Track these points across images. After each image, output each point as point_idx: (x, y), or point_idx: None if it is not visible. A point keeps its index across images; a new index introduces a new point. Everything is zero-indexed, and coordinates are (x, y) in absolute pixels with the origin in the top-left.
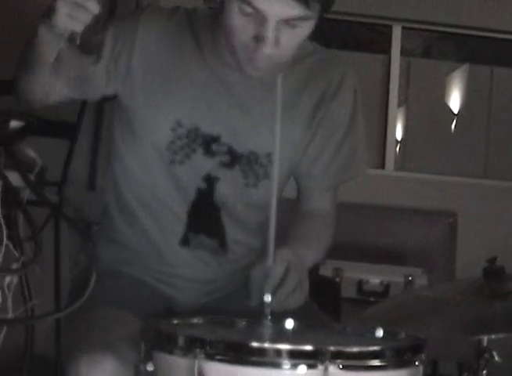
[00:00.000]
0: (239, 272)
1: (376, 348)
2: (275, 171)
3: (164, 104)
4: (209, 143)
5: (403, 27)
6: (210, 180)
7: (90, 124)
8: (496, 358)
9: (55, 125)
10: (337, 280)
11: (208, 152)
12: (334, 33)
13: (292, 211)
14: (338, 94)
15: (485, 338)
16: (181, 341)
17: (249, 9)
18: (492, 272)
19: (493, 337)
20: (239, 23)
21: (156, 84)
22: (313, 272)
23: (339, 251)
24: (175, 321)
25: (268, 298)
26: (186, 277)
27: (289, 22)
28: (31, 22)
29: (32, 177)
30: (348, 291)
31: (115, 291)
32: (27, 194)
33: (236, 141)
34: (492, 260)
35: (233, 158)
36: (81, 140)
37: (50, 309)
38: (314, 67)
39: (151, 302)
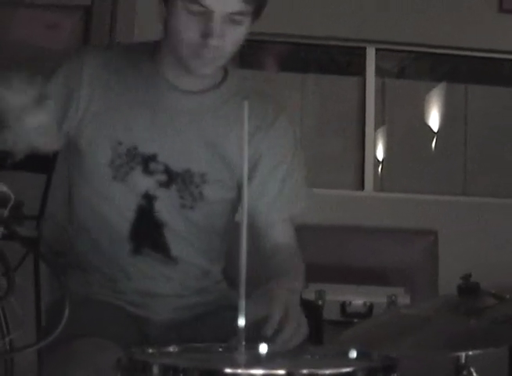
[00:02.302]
0: (208, 295)
1: (348, 369)
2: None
3: (105, 125)
4: (147, 162)
5: (377, 49)
6: (148, 198)
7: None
8: (475, 374)
9: (31, 160)
10: (320, 302)
11: (146, 170)
12: (311, 57)
13: (254, 251)
14: (274, 126)
15: (463, 355)
16: (155, 369)
17: (195, 7)
18: (467, 288)
19: (471, 353)
20: (186, 22)
21: (99, 107)
22: None
23: (321, 273)
24: (150, 350)
25: (242, 322)
26: (150, 292)
27: (232, 17)
28: None
29: (6, 212)
30: (332, 313)
31: (91, 322)
32: (1, 230)
33: (172, 159)
34: (467, 277)
35: (170, 177)
36: (58, 174)
37: (32, 340)
38: (248, 96)
39: (125, 326)
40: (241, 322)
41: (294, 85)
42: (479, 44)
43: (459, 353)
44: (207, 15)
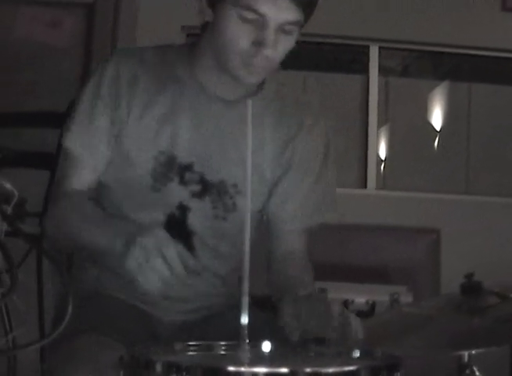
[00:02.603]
0: (222, 298)
1: (351, 368)
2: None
3: (149, 133)
4: (183, 172)
5: (380, 47)
6: (182, 209)
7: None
8: (477, 373)
9: (35, 156)
10: None
11: (182, 181)
12: (314, 55)
13: (266, 256)
14: (310, 134)
15: (466, 354)
16: (158, 367)
17: (250, 16)
18: (470, 287)
19: (473, 352)
20: (238, 30)
21: (140, 114)
22: None
23: (323, 271)
24: (153, 348)
25: (245, 319)
26: (166, 295)
27: (285, 27)
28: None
29: (10, 209)
30: None
31: (99, 316)
32: (5, 227)
33: (207, 169)
34: (470, 276)
35: (204, 188)
36: None
37: (35, 338)
38: (286, 102)
39: (135, 323)
40: (244, 319)
41: (297, 84)
42: (482, 42)
43: (462, 352)
44: (260, 23)
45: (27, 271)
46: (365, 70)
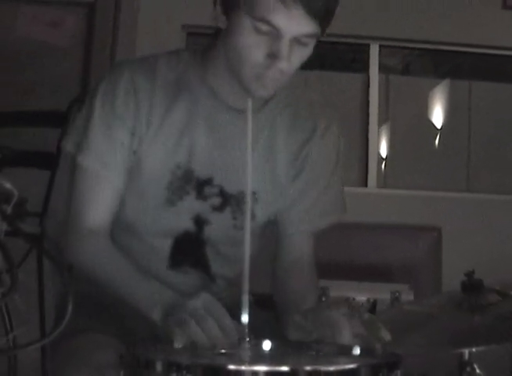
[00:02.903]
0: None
1: (351, 366)
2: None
3: (167, 146)
4: (202, 186)
5: (381, 46)
6: (199, 222)
7: None
8: (478, 371)
9: (35, 156)
10: (323, 299)
11: (201, 195)
12: (314, 53)
13: (273, 262)
14: (324, 138)
15: (467, 351)
16: (158, 366)
17: (265, 27)
18: (471, 285)
19: (474, 350)
20: (252, 41)
21: (157, 127)
22: None
23: (324, 270)
24: (153, 346)
25: (245, 318)
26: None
27: (300, 39)
28: None
29: (10, 209)
30: None
31: (99, 316)
32: (5, 226)
33: (227, 182)
34: (470, 273)
35: (224, 200)
36: (61, 170)
37: (36, 337)
38: (300, 105)
39: (135, 322)
40: (244, 318)
41: (298, 82)
42: (483, 40)
43: (463, 350)
44: (275, 35)
45: (28, 271)
46: (365, 68)
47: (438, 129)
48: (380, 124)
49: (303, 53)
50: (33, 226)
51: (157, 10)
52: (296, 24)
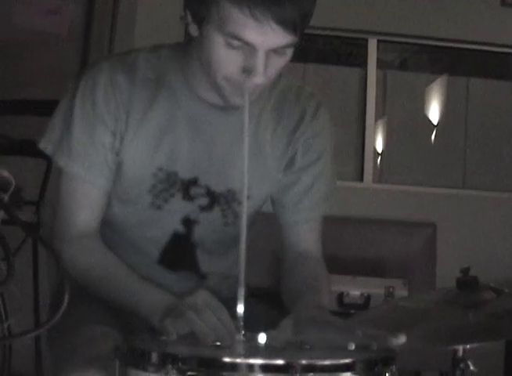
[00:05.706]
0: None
1: (346, 360)
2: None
3: (147, 148)
4: (188, 187)
5: (379, 40)
6: (188, 223)
7: None
8: (472, 367)
9: (32, 145)
10: None
11: (187, 196)
12: (312, 47)
13: (279, 261)
14: (314, 120)
15: (461, 348)
16: (154, 357)
17: (236, 43)
18: (465, 282)
19: (468, 347)
20: (225, 56)
21: (137, 129)
22: None
23: None
24: (148, 338)
25: (241, 309)
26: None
27: (277, 50)
28: None
29: (7, 197)
30: (329, 304)
31: (98, 308)
32: (1, 215)
33: (213, 181)
34: (466, 270)
35: (212, 199)
36: None
37: (30, 325)
38: (286, 94)
39: (132, 314)
40: (240, 309)
41: (295, 75)
42: (481, 37)
43: (457, 346)
44: (248, 50)
45: (23, 259)
46: (363, 63)
47: (434, 125)
48: (376, 119)
49: (281, 61)
50: (29, 214)
51: (156, 0)
52: (270, 38)
